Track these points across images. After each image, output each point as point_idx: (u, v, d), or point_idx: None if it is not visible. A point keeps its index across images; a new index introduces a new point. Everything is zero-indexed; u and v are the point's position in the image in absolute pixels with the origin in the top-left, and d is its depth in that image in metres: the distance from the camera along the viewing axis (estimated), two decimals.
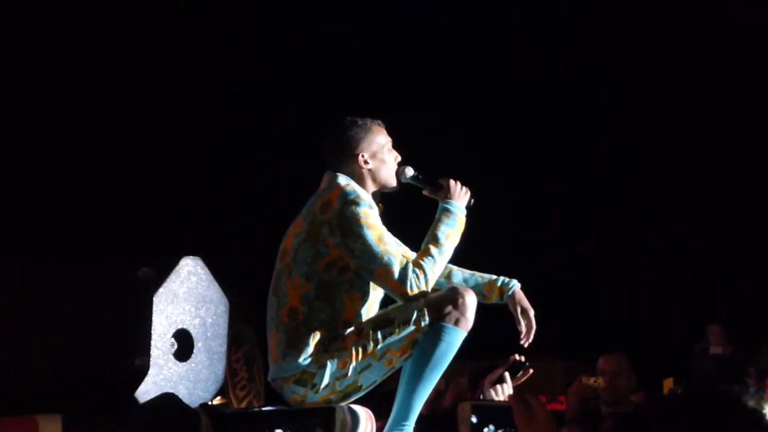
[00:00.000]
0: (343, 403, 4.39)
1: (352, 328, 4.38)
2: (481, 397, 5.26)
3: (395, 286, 4.37)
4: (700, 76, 10.61)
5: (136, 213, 9.93)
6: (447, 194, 4.60)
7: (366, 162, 4.61)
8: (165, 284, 3.79)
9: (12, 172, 9.53)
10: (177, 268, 3.89)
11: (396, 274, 4.34)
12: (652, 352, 9.47)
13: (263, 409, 5.06)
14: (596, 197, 11.58)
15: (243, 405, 8.74)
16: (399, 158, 4.70)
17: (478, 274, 4.82)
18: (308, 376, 4.33)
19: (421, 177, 4.69)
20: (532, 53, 10.97)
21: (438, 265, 4.45)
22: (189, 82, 10.48)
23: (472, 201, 4.65)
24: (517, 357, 4.77)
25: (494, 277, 4.81)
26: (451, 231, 4.51)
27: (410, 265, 4.38)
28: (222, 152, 10.61)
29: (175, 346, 3.86)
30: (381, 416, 4.61)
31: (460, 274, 4.82)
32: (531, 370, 4.94)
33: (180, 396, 3.77)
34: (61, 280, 3.75)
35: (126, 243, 9.20)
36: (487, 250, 5.16)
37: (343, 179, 4.53)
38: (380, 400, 4.94)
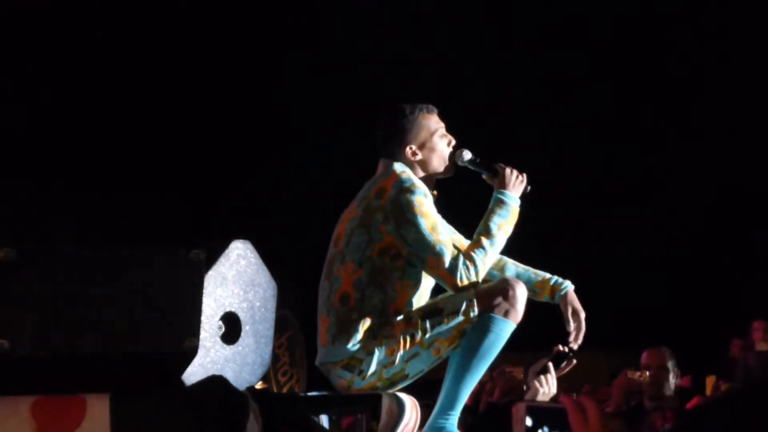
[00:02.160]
0: (390, 391, 4.39)
1: (401, 317, 4.38)
2: (524, 388, 5.23)
3: (445, 277, 4.36)
4: None
5: (190, 194, 9.98)
6: (502, 183, 4.57)
7: (414, 153, 4.60)
8: (215, 266, 3.78)
9: (71, 148, 9.62)
10: (227, 251, 3.88)
11: (446, 265, 4.33)
12: (695, 348, 9.41)
13: (310, 394, 5.06)
14: (644, 186, 11.53)
15: (284, 390, 8.77)
16: (453, 142, 4.67)
17: (532, 270, 4.78)
18: (356, 362, 4.33)
19: (478, 161, 4.65)
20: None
21: (489, 256, 4.43)
22: (245, 62, 10.51)
23: (529, 188, 4.61)
24: (561, 347, 4.72)
25: (548, 275, 4.75)
26: (504, 222, 4.48)
27: (461, 257, 4.36)
28: (276, 136, 10.63)
29: (223, 329, 3.85)
30: (427, 406, 4.60)
31: (513, 267, 4.78)
32: (575, 361, 4.90)
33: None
34: (112, 259, 3.74)
35: (178, 224, 9.27)
36: (534, 238, 5.11)
37: (399, 166, 4.52)
38: (427, 389, 4.93)
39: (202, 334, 3.69)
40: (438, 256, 4.34)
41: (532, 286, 4.65)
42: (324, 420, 4.53)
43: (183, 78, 10.13)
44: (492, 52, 10.84)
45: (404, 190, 4.40)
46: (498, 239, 4.46)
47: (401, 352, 4.33)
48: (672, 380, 6.70)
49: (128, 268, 3.72)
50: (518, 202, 4.55)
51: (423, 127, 4.63)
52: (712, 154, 11.05)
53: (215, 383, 3.65)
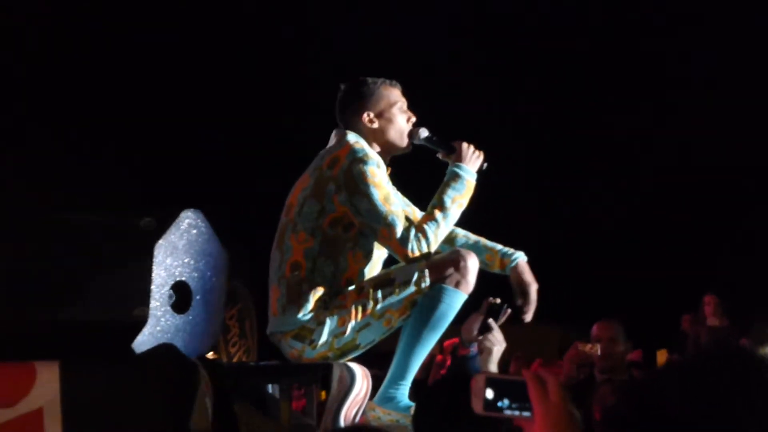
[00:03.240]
0: (340, 361, 4.40)
1: (353, 287, 4.38)
2: (471, 351, 5.22)
3: (397, 248, 4.37)
4: None
5: (141, 162, 9.93)
6: (458, 157, 4.56)
7: (371, 121, 4.59)
8: (165, 235, 3.75)
9: (27, 112, 9.53)
10: (177, 220, 3.85)
11: (398, 235, 4.34)
12: (645, 321, 9.48)
13: (261, 363, 5.06)
14: (592, 161, 11.58)
15: (234, 361, 8.75)
16: (414, 119, 4.66)
17: (483, 241, 4.78)
18: (307, 332, 4.33)
19: (435, 139, 4.65)
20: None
21: (441, 229, 4.43)
22: (204, 35, 10.46)
23: (485, 165, 4.60)
24: (491, 299, 4.68)
25: (498, 246, 4.75)
26: (458, 195, 4.48)
27: (413, 228, 4.37)
28: (229, 105, 10.58)
29: (173, 298, 3.83)
30: (377, 376, 4.61)
31: (464, 239, 4.78)
32: (510, 310, 4.89)
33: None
34: (62, 225, 3.72)
35: (129, 191, 9.21)
36: (487, 210, 5.12)
37: (352, 137, 4.52)
38: (377, 359, 4.94)
39: (153, 303, 3.67)
40: (390, 226, 4.34)
41: (482, 258, 4.65)
42: (275, 390, 4.52)
43: (140, 45, 10.05)
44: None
45: (357, 160, 4.39)
46: (451, 212, 4.46)
47: (352, 322, 4.33)
48: (622, 352, 6.73)
49: (79, 235, 3.70)
50: (474, 176, 4.55)
51: (383, 96, 4.63)
52: (673, 130, 11.12)
53: (165, 352, 3.63)
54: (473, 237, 4.79)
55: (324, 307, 4.35)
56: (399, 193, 4.67)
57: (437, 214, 4.43)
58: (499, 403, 2.06)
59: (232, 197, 10.26)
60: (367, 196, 4.35)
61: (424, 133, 4.63)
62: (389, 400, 4.37)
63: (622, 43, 11.05)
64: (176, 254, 3.85)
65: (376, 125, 4.59)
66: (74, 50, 9.81)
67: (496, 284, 4.74)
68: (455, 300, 4.36)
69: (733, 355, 1.98)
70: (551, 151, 11.61)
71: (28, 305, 3.59)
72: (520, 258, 4.69)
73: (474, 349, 5.23)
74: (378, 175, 4.40)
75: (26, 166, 9.09)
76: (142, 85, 10.05)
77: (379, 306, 4.34)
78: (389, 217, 4.34)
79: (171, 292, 3.83)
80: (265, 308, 4.62)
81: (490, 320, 4.80)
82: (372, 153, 4.45)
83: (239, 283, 8.74)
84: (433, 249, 4.41)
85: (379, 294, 4.34)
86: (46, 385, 3.51)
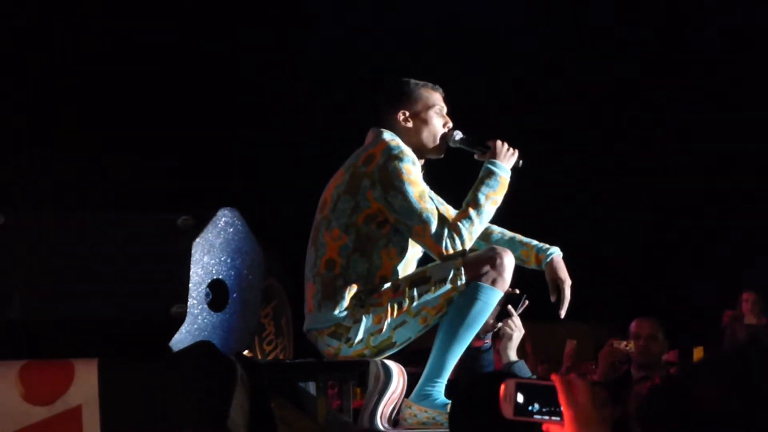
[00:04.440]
0: (377, 358, 4.41)
1: (388, 284, 4.39)
2: (486, 343, 5.21)
3: (431, 245, 4.37)
4: None
5: (179, 160, 9.97)
6: (493, 154, 4.55)
7: (406, 120, 4.59)
8: (202, 234, 3.77)
9: (59, 113, 9.59)
10: (214, 219, 3.87)
11: (432, 233, 4.34)
12: (681, 319, 9.43)
13: (298, 360, 5.08)
14: (629, 155, 11.52)
15: (270, 358, 8.78)
16: (450, 125, 4.65)
17: (518, 237, 4.77)
18: (343, 330, 4.34)
19: (470, 139, 4.64)
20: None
21: (476, 226, 4.42)
22: (239, 31, 10.49)
23: (521, 162, 4.58)
24: (509, 289, 4.68)
25: (534, 242, 4.74)
26: (492, 192, 4.47)
27: (447, 226, 4.37)
28: (267, 105, 10.60)
29: (210, 296, 3.85)
30: (413, 373, 4.62)
31: (500, 235, 4.77)
32: (527, 302, 4.88)
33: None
34: (101, 224, 3.75)
35: (167, 191, 9.26)
36: (523, 209, 5.11)
37: (388, 135, 4.52)
38: (413, 357, 4.95)
39: (190, 301, 3.70)
40: (424, 223, 4.35)
41: (518, 254, 4.64)
42: (311, 387, 4.54)
43: (172, 42, 10.09)
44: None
45: (393, 157, 4.40)
46: (485, 209, 4.44)
47: (389, 320, 4.34)
48: (661, 351, 6.71)
49: (117, 234, 3.73)
50: (509, 173, 4.52)
51: (421, 97, 4.63)
52: (705, 131, 11.07)
53: (203, 349, 3.66)
54: (509, 233, 4.78)
55: (360, 305, 4.36)
56: (433, 192, 4.67)
57: (471, 211, 4.42)
58: (530, 408, 2.07)
59: (269, 196, 10.28)
60: (402, 193, 4.35)
61: (458, 135, 4.62)
62: (425, 398, 4.38)
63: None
64: (213, 252, 3.88)
65: (410, 125, 4.59)
66: (114, 45, 9.85)
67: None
68: (491, 298, 4.36)
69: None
70: (587, 146, 11.56)
71: (67, 304, 3.62)
72: (555, 254, 4.68)
73: (488, 340, 5.24)
74: (413, 172, 4.40)
75: (64, 164, 9.14)
76: (180, 83, 10.08)
77: (415, 304, 4.34)
78: (424, 214, 4.35)
79: (208, 290, 3.85)
80: (300, 306, 4.63)
81: (510, 307, 4.80)
82: (408, 150, 4.45)
83: (274, 281, 8.79)
84: (467, 246, 4.40)
85: (415, 292, 4.34)
86: (85, 383, 3.54)
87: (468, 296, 4.32)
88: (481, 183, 4.48)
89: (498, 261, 4.33)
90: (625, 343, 6.59)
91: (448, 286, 4.33)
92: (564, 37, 11.06)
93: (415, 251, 4.52)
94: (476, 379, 3.96)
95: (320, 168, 4.95)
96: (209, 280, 3.85)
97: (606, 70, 11.11)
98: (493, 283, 4.33)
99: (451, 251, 4.35)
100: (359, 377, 4.35)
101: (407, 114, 4.59)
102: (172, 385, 3.54)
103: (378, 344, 4.38)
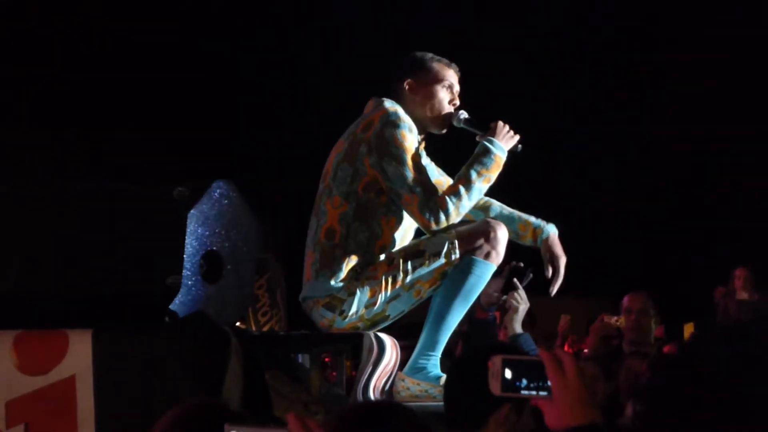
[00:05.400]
0: (370, 331, 4.42)
1: (383, 257, 4.39)
2: (490, 315, 5.23)
3: (417, 215, 4.36)
4: None
5: (174, 132, 9.96)
6: (492, 132, 4.51)
7: (412, 89, 4.55)
8: (197, 205, 3.77)
9: (58, 85, 9.58)
10: (209, 190, 3.87)
11: (419, 203, 4.32)
12: (672, 294, 9.45)
13: (292, 332, 5.09)
14: (622, 133, 11.52)
15: (264, 330, 8.79)
16: (457, 103, 4.62)
17: (517, 213, 4.75)
18: (338, 302, 4.34)
19: (474, 120, 4.59)
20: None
21: (464, 202, 4.39)
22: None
23: (519, 147, 4.53)
24: (514, 262, 4.69)
25: (532, 218, 4.72)
26: (485, 170, 4.42)
27: (435, 197, 4.34)
28: (265, 79, 10.58)
29: (205, 268, 3.85)
30: (407, 347, 4.63)
31: (498, 208, 4.75)
32: (531, 275, 4.89)
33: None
34: (96, 195, 3.74)
35: (162, 162, 9.25)
36: (516, 185, 5.10)
37: (389, 102, 4.49)
38: (406, 331, 4.96)
39: (184, 273, 3.70)
40: (412, 193, 4.32)
41: (515, 228, 4.64)
42: (305, 359, 4.55)
43: (170, 17, 10.07)
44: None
45: (389, 123, 4.38)
46: (476, 186, 4.41)
47: (383, 293, 4.34)
48: (651, 325, 6.71)
49: (112, 204, 3.72)
50: (505, 153, 4.48)
51: (432, 70, 4.58)
52: (694, 112, 11.07)
53: (197, 320, 3.66)
54: (507, 208, 4.77)
55: (355, 277, 4.36)
56: (432, 164, 4.66)
57: (461, 187, 4.39)
58: (517, 384, 2.07)
59: (264, 168, 10.26)
60: (396, 159, 4.33)
61: (464, 114, 4.58)
62: (419, 371, 4.39)
63: None
64: (208, 224, 3.88)
65: (414, 95, 4.55)
66: (113, 20, 9.83)
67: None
68: (485, 271, 4.36)
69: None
70: (582, 127, 11.56)
71: (61, 274, 3.62)
72: (552, 230, 4.67)
73: (492, 313, 5.25)
74: (409, 139, 4.38)
75: (59, 136, 9.13)
76: (176, 58, 10.06)
77: (409, 277, 4.34)
78: (414, 184, 4.32)
79: (202, 261, 3.86)
80: (295, 279, 4.64)
81: (515, 280, 4.81)
82: (405, 117, 4.42)
83: (269, 254, 8.78)
84: (453, 221, 4.37)
85: (409, 265, 4.35)
86: (79, 353, 3.54)
87: (462, 270, 4.33)
88: (475, 160, 4.45)
89: (492, 234, 4.33)
90: (615, 318, 6.60)
91: (442, 260, 4.33)
92: None
93: (412, 221, 4.50)
94: (473, 352, 3.96)
95: (316, 140, 4.94)
96: (204, 251, 3.85)
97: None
98: (487, 256, 4.33)
99: (433, 225, 4.33)
100: (353, 350, 4.36)
101: (412, 84, 4.56)
102: (166, 355, 3.54)
103: (372, 317, 4.38)
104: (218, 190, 3.96)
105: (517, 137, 4.52)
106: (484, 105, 4.76)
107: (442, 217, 4.33)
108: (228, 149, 10.31)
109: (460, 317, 4.45)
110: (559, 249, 4.65)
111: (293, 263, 4.75)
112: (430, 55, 4.62)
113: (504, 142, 4.48)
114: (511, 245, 4.55)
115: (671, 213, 11.89)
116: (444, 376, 4.31)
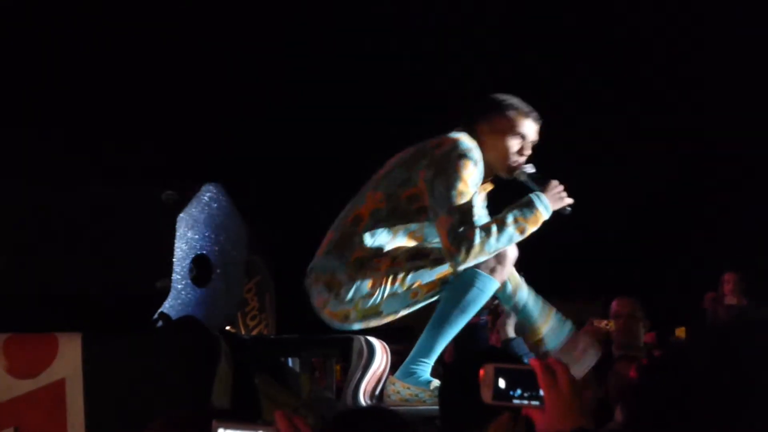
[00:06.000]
0: (359, 326, 4.38)
1: (388, 254, 4.34)
2: (481, 319, 5.24)
3: (444, 238, 4.25)
4: None
5: (163, 136, 9.94)
6: (543, 189, 4.41)
7: (483, 132, 4.47)
8: (186, 209, 3.77)
9: (49, 87, 9.57)
10: (198, 194, 3.87)
11: (450, 227, 4.23)
12: (663, 299, 9.46)
13: (281, 336, 5.08)
14: (615, 138, 11.54)
15: (253, 334, 8.79)
16: (528, 154, 4.53)
17: (548, 308, 4.72)
18: (337, 284, 4.31)
19: (536, 176, 4.47)
20: None
21: (491, 241, 4.26)
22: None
23: (569, 210, 4.45)
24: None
25: (555, 310, 4.72)
26: (523, 218, 4.32)
27: (467, 227, 4.26)
28: (257, 82, 10.57)
29: (194, 272, 3.85)
30: (397, 352, 4.63)
31: (527, 294, 4.66)
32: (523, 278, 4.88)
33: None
34: (85, 198, 3.74)
35: (152, 165, 9.23)
36: (507, 188, 5.09)
37: (465, 136, 4.42)
38: (397, 335, 4.95)
39: (173, 276, 3.70)
40: (449, 219, 4.22)
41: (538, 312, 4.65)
42: (295, 362, 4.55)
43: (158, 18, 10.06)
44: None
45: (460, 149, 4.31)
46: (508, 230, 4.30)
47: (382, 287, 4.31)
48: (640, 330, 6.71)
49: (101, 207, 3.72)
50: (548, 211, 4.38)
51: (510, 119, 4.49)
52: (683, 117, 11.10)
53: (187, 324, 3.66)
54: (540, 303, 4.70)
55: (360, 266, 4.32)
56: (482, 201, 4.61)
57: (493, 226, 4.29)
58: (510, 393, 2.06)
59: (253, 171, 10.25)
60: (448, 182, 4.27)
61: (528, 169, 4.49)
62: (410, 375, 4.38)
63: None
64: (197, 227, 3.88)
65: (484, 138, 4.48)
66: (104, 20, 9.82)
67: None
68: (488, 286, 4.35)
69: (759, 325, 1.98)
70: (570, 131, 11.57)
71: (51, 277, 3.61)
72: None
73: (484, 317, 5.26)
74: (470, 170, 4.32)
75: (48, 138, 9.12)
76: (168, 59, 10.05)
77: (409, 277, 4.32)
78: (454, 209, 4.24)
79: (191, 265, 3.85)
80: (283, 283, 4.63)
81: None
82: (477, 152, 4.38)
83: (257, 257, 8.78)
84: (475, 255, 4.25)
85: (413, 265, 4.33)
86: (69, 356, 3.54)
87: (465, 282, 4.32)
88: (517, 206, 4.35)
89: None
90: (605, 322, 6.60)
91: (446, 266, 4.31)
92: None
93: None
94: (465, 357, 3.96)
95: (307, 145, 4.94)
96: (193, 255, 3.85)
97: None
98: (492, 271, 4.33)
99: (454, 251, 4.23)
100: (343, 352, 4.36)
101: (486, 127, 4.49)
102: (156, 359, 3.54)
103: (365, 309, 4.33)
104: (208, 194, 3.96)
105: (568, 200, 4.45)
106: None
107: (465, 246, 4.22)
108: (218, 151, 10.30)
109: (458, 328, 4.41)
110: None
111: (283, 267, 4.74)
112: (515, 101, 4.54)
113: (552, 200, 4.38)
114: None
115: (661, 218, 11.90)
116: (434, 381, 4.31)
